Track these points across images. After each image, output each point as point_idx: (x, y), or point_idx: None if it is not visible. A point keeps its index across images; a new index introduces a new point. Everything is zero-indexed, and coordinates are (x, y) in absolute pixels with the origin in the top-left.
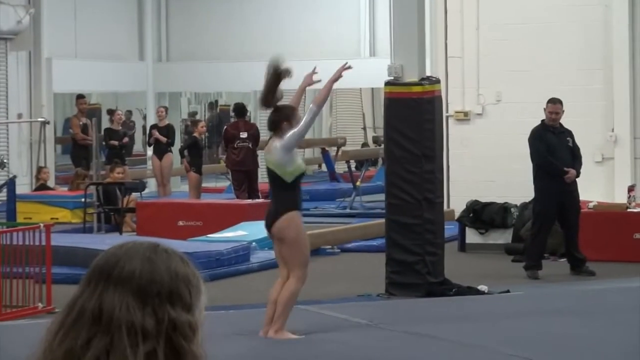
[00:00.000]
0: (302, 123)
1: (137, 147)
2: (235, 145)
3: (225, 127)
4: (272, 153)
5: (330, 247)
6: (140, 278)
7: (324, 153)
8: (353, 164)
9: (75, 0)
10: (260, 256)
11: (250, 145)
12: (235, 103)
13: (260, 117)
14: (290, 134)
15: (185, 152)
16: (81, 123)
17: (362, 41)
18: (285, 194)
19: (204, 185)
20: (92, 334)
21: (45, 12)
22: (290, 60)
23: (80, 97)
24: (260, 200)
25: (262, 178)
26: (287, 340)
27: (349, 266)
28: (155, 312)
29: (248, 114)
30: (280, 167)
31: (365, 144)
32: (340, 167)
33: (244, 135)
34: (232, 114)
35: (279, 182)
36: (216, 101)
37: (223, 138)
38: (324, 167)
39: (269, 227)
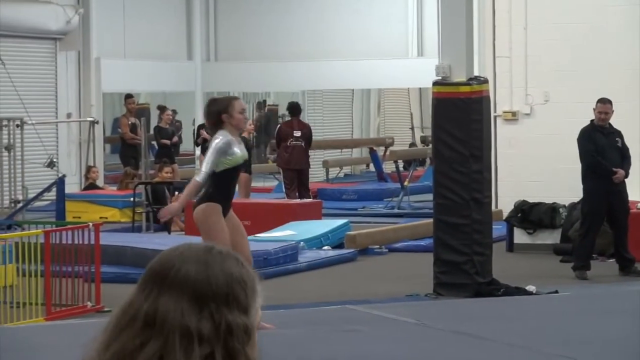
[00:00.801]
0: (206, 158)
1: (185, 146)
2: (288, 144)
3: (279, 125)
4: (211, 142)
5: (378, 246)
6: (195, 281)
7: (372, 153)
8: (401, 164)
9: (124, 0)
10: (309, 256)
11: (303, 144)
12: (290, 102)
13: (308, 117)
14: (211, 145)
15: None
16: (130, 122)
17: (409, 41)
18: (214, 184)
19: (252, 184)
20: (145, 338)
21: (94, 12)
22: (338, 60)
23: (128, 96)
24: (310, 200)
25: (314, 177)
26: (331, 340)
27: (397, 266)
28: (212, 316)
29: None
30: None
31: (413, 144)
32: (388, 167)
33: (297, 133)
34: (286, 112)
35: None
36: (264, 101)
37: (276, 136)
38: (372, 167)
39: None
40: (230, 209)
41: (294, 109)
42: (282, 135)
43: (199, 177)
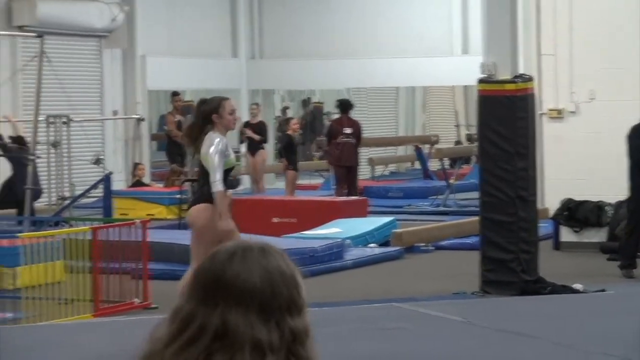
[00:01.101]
0: (214, 165)
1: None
2: (338, 141)
3: (329, 122)
4: (205, 145)
5: (424, 244)
6: (262, 293)
7: (418, 150)
8: (446, 162)
9: None
10: (355, 253)
11: (352, 142)
12: (340, 99)
13: (353, 114)
14: (212, 151)
15: (282, 152)
16: (176, 120)
17: (454, 38)
18: (207, 186)
19: (298, 182)
20: (212, 349)
21: (139, 10)
22: (382, 58)
23: (175, 94)
24: (356, 197)
25: (359, 175)
26: (377, 338)
27: (443, 264)
28: (278, 325)
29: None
30: (205, 159)
31: (458, 142)
32: (434, 165)
33: (347, 130)
34: (332, 109)
35: (204, 172)
36: (309, 98)
37: (327, 133)
38: (417, 165)
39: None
40: None
41: (344, 105)
42: (333, 132)
43: (216, 187)
